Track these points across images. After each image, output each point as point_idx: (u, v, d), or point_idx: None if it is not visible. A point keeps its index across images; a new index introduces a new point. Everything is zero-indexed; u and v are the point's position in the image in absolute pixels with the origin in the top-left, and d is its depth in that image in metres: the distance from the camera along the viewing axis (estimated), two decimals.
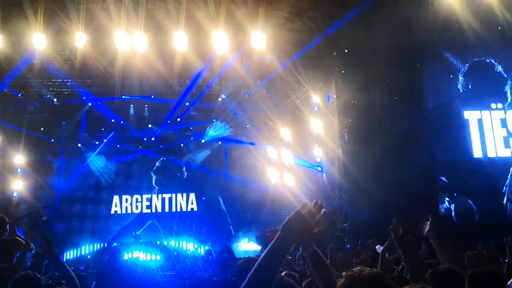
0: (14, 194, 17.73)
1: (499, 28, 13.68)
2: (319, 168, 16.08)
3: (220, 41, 13.54)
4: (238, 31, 13.61)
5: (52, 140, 19.75)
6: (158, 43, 13.94)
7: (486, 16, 13.33)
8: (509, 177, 14.24)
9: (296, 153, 17.64)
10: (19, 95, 17.55)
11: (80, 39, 13.37)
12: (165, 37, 13.63)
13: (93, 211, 20.01)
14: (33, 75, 16.18)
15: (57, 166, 19.60)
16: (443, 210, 14.23)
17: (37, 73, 15.96)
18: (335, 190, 15.29)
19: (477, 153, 14.62)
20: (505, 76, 14.76)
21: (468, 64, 14.76)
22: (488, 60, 14.68)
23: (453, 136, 14.60)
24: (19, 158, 18.03)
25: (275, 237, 2.32)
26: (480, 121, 14.81)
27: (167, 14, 13.01)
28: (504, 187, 14.14)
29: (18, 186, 17.89)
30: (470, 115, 14.87)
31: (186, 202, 21.09)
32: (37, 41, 13.29)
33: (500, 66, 14.74)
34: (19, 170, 18.22)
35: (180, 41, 13.47)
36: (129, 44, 13.52)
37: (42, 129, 19.35)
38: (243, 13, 13.00)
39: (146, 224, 19.65)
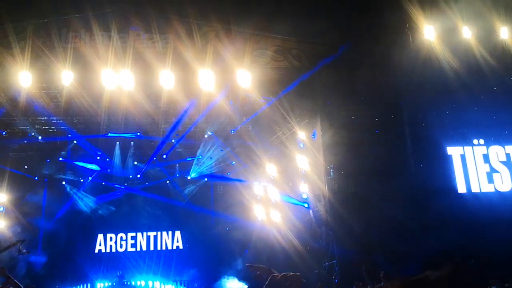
0: None
1: (477, 65, 14.06)
2: (306, 205, 16.02)
3: (206, 79, 13.63)
4: (224, 70, 13.73)
5: (36, 178, 19.52)
6: (145, 81, 13.93)
7: (465, 54, 13.75)
8: None
9: (283, 190, 17.59)
10: (4, 133, 17.41)
11: (66, 77, 13.32)
12: (152, 75, 13.65)
13: (77, 249, 19.56)
14: (18, 113, 16.01)
15: (40, 204, 19.29)
16: None
17: (22, 111, 15.77)
18: (322, 227, 15.19)
19: (461, 188, 14.77)
20: (485, 111, 15.05)
21: (449, 101, 15.03)
22: (467, 96, 14.94)
23: (437, 172, 14.73)
24: (2, 197, 17.77)
25: None
26: (463, 157, 15.02)
27: (155, 53, 13.14)
28: None
29: (0, 225, 17.56)
30: (453, 151, 15.08)
31: (171, 240, 20.84)
32: (23, 79, 13.21)
33: (479, 101, 15.02)
34: (1, 208, 17.92)
35: (167, 79, 13.52)
36: (116, 82, 13.48)
37: (26, 167, 19.15)
38: (229, 52, 13.19)
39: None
